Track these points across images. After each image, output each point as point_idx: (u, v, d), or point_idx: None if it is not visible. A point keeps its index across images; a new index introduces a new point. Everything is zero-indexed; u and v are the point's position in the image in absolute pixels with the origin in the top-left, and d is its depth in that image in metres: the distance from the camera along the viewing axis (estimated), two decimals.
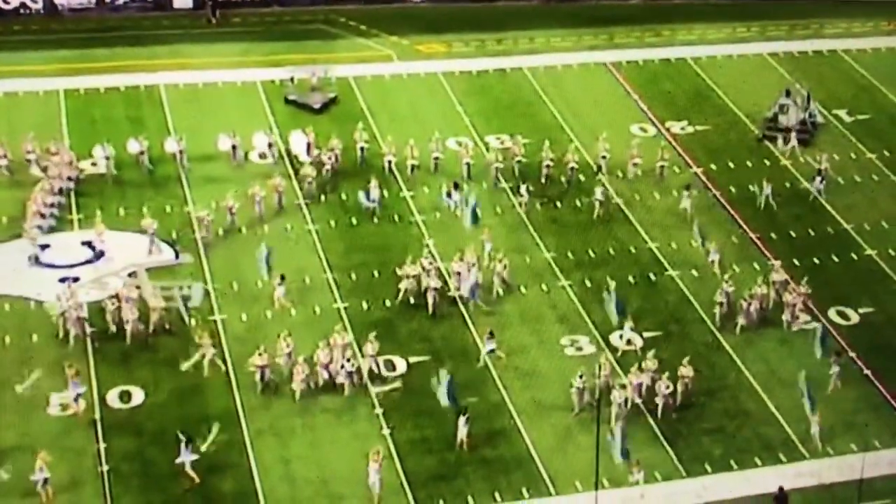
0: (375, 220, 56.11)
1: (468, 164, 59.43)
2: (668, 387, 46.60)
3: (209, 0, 74.24)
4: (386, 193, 57.46)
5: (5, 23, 72.15)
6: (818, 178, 59.56)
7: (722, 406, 47.28)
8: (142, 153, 58.74)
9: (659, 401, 46.64)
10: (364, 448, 44.11)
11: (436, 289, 50.76)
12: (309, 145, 59.69)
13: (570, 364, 48.61)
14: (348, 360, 46.80)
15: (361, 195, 56.12)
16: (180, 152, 59.13)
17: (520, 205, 57.21)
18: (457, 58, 70.78)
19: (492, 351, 48.41)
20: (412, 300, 51.19)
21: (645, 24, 75.48)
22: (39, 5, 73.25)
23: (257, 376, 46.59)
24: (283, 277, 50.92)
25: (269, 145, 59.98)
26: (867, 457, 43.51)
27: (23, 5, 73.10)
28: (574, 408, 46.43)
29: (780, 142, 62.76)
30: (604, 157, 60.06)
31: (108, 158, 58.31)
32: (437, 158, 59.55)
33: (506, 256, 52.58)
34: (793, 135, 62.63)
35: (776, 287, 51.84)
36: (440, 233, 55.31)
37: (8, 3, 72.94)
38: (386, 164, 59.24)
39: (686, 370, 47.18)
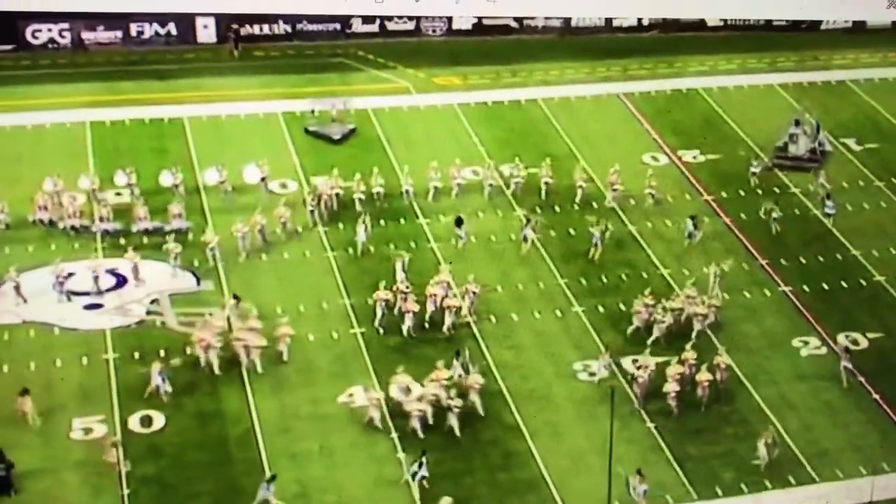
0: (392, 246, 55.69)
1: (491, 185, 59.80)
2: (708, 379, 47.03)
3: (232, 34, 74.24)
4: (403, 220, 57.30)
5: (34, 57, 72.20)
6: (828, 201, 59.32)
7: (732, 429, 46.63)
8: (176, 185, 58.44)
9: (700, 391, 47.02)
10: (380, 472, 43.79)
11: (414, 312, 50.33)
12: (263, 179, 59.13)
13: (582, 389, 48.19)
14: (452, 398, 45.95)
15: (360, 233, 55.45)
16: (221, 182, 58.85)
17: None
18: (472, 90, 70.52)
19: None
20: (382, 330, 50.65)
21: (657, 56, 75.14)
22: (67, 40, 73.32)
23: (373, 412, 45.89)
24: (237, 297, 50.80)
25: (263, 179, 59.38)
26: (876, 480, 43.06)
27: (51, 40, 73.14)
28: (635, 400, 47.01)
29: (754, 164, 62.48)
30: (615, 190, 59.68)
31: (130, 185, 58.21)
32: (456, 185, 59.61)
33: (478, 284, 51.95)
34: (755, 163, 62.31)
35: (688, 301, 51.38)
36: (455, 259, 54.79)
37: (37, 38, 72.97)
38: (404, 193, 59.04)
39: (723, 358, 47.72)
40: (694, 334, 50.60)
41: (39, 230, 56.03)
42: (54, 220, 56.12)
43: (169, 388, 46.67)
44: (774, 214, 58.28)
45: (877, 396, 48.59)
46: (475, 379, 46.82)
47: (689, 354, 48.15)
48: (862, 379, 49.18)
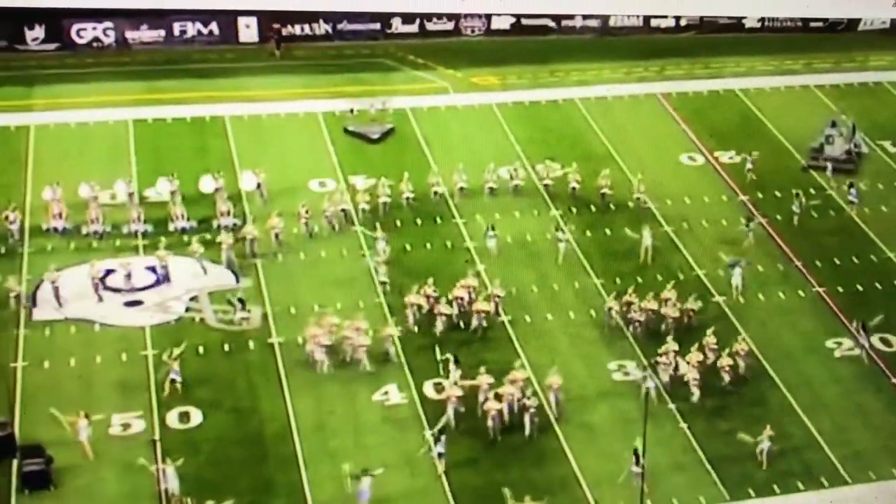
0: (428, 246, 55.56)
1: (517, 185, 59.46)
2: (730, 364, 47.54)
3: (274, 34, 74.21)
4: (439, 220, 57.18)
5: (79, 56, 72.40)
6: (852, 189, 59.51)
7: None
8: (173, 192, 57.23)
9: (725, 376, 47.48)
10: (414, 467, 43.57)
11: (447, 315, 50.08)
12: (259, 186, 58.17)
13: (616, 389, 47.87)
14: (528, 398, 45.79)
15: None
16: (258, 185, 58.22)
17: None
18: (510, 89, 70.28)
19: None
20: (417, 328, 50.53)
21: (694, 57, 74.71)
22: (111, 39, 73.48)
23: (451, 410, 45.74)
24: (242, 302, 50.74)
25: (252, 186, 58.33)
26: None
27: (95, 39, 73.32)
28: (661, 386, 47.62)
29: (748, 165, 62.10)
30: (603, 195, 59.21)
31: (130, 194, 57.38)
32: (491, 188, 59.19)
33: (502, 288, 51.56)
34: (750, 159, 62.07)
35: (664, 302, 50.90)
36: (490, 259, 54.64)
37: (82, 37, 73.17)
38: (434, 193, 58.70)
39: (741, 345, 48.06)
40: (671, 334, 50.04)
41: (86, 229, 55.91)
42: (69, 228, 55.51)
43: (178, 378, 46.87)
44: (794, 207, 58.18)
45: None
46: (555, 380, 46.70)
47: (710, 339, 48.30)
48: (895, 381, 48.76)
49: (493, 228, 55.39)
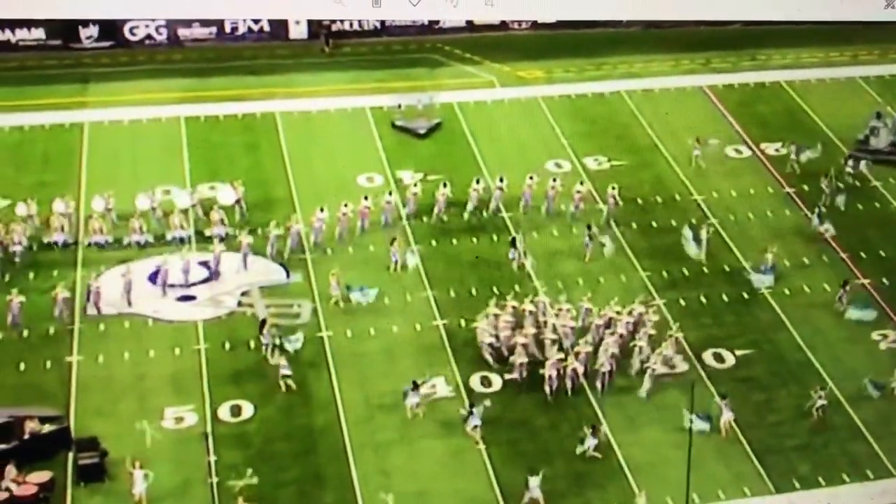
0: (474, 239, 55.67)
1: (580, 195, 57.87)
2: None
3: (323, 30, 74.37)
4: (484, 213, 57.36)
5: (132, 53, 72.81)
6: (850, 161, 60.84)
7: (810, 422, 45.93)
8: (153, 209, 56.17)
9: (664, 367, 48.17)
10: (460, 461, 43.71)
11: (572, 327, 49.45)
12: (238, 201, 56.95)
13: (661, 382, 47.71)
14: (601, 364, 47.06)
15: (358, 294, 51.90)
16: (237, 201, 56.93)
17: None
18: (556, 83, 70.11)
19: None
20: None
21: (740, 49, 74.19)
22: (164, 36, 73.82)
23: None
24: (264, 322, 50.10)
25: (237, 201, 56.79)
26: None
27: (148, 36, 73.69)
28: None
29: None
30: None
31: (108, 210, 55.89)
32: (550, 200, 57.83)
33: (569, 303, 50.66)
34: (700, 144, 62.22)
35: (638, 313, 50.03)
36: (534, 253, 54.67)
37: (135, 35, 73.59)
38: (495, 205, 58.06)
39: (676, 333, 48.75)
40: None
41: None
42: (69, 242, 54.72)
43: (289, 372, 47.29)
44: (824, 186, 58.34)
45: None
46: (613, 350, 47.45)
47: (649, 331, 48.75)
48: None
49: (516, 241, 54.45)
